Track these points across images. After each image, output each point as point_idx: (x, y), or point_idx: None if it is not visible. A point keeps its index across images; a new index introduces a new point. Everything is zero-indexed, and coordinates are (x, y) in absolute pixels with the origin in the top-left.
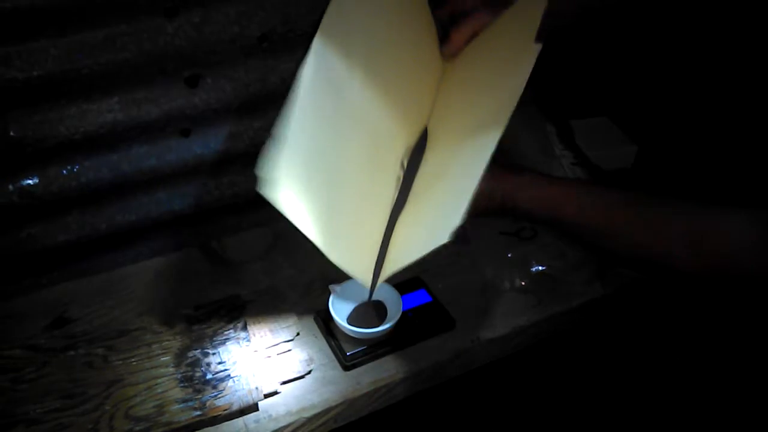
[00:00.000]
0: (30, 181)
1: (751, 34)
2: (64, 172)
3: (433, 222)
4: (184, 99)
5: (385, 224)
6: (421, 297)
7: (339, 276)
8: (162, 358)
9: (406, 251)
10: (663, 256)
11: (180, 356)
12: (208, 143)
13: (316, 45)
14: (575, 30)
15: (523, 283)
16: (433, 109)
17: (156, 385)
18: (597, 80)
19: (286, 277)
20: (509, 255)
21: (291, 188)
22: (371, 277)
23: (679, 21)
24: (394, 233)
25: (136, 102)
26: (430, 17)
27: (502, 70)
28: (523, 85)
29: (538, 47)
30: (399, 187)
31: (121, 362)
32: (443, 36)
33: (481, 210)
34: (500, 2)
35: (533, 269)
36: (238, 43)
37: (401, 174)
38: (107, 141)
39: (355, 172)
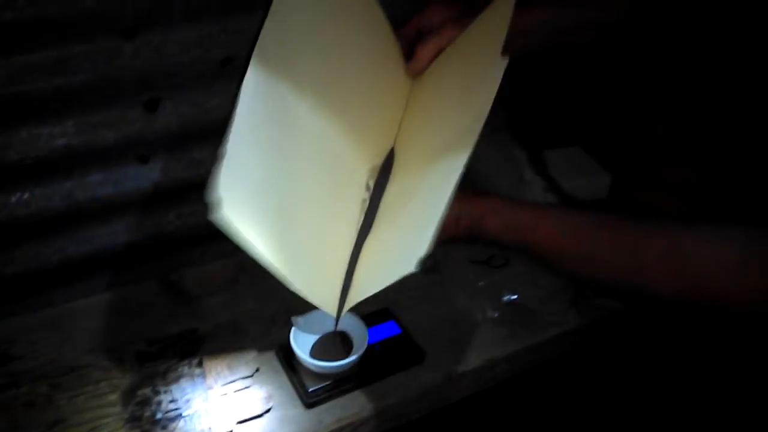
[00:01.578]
0: None
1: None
2: (14, 199)
3: (400, 249)
4: (143, 124)
5: (351, 249)
6: (389, 329)
7: (304, 308)
8: (110, 397)
9: (372, 279)
10: (638, 279)
11: (129, 394)
12: (167, 170)
13: (255, 62)
14: (543, 56)
15: (496, 314)
16: (400, 127)
17: (101, 425)
18: (570, 110)
19: (248, 310)
20: (481, 284)
21: (243, 215)
22: (337, 304)
23: (652, 51)
24: (360, 259)
25: (91, 126)
26: (391, 34)
27: (469, 86)
28: (490, 102)
29: (504, 62)
30: (365, 210)
31: (66, 401)
32: (409, 53)
33: (448, 236)
34: (467, 19)
35: (506, 299)
36: (200, 66)
37: (367, 196)
38: (60, 167)
39: (314, 196)
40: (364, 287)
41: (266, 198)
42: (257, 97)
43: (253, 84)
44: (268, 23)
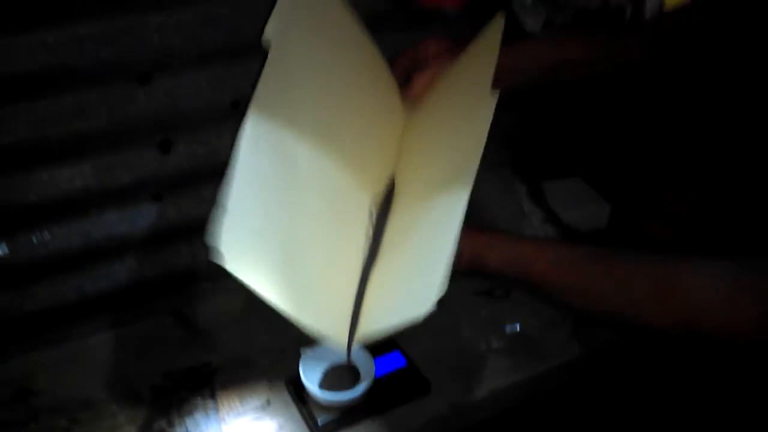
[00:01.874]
0: None
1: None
2: (34, 239)
3: (410, 290)
4: (157, 164)
5: (358, 280)
6: (395, 360)
7: (314, 341)
8: (126, 429)
9: (384, 317)
10: (631, 312)
11: (145, 427)
12: (181, 208)
13: (254, 110)
14: (540, 90)
15: (499, 344)
16: (399, 153)
17: None
18: (570, 141)
19: (259, 342)
20: (484, 315)
21: (245, 257)
22: (346, 338)
23: (651, 84)
24: (367, 291)
25: (107, 168)
26: (384, 64)
27: (463, 118)
28: (484, 139)
29: (495, 97)
30: (370, 239)
31: None
32: (405, 80)
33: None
34: (459, 50)
35: (508, 329)
36: (211, 108)
37: (370, 224)
38: (78, 207)
39: (318, 232)
40: (376, 324)
41: (269, 238)
42: (256, 142)
43: (252, 130)
44: (265, 70)
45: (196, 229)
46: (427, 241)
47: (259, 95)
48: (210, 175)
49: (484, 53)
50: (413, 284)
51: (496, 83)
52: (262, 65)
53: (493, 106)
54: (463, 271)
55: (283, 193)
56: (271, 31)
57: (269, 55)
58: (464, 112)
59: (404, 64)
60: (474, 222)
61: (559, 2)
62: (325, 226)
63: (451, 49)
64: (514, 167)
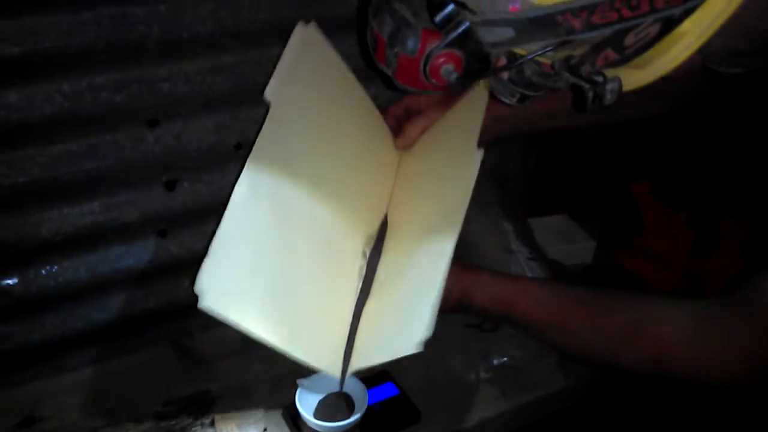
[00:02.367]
0: (9, 281)
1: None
2: (43, 272)
3: (400, 327)
4: (162, 202)
5: (351, 314)
6: (388, 390)
7: (309, 371)
8: None
9: (375, 351)
10: (604, 351)
11: None
12: (184, 243)
13: (252, 161)
14: (522, 136)
15: (487, 375)
16: (392, 195)
17: None
18: (558, 179)
19: (257, 371)
20: (473, 347)
21: (232, 300)
22: (340, 368)
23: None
24: (360, 325)
25: (115, 205)
26: (378, 115)
27: (451, 169)
28: (472, 184)
29: (480, 153)
30: (362, 276)
31: None
32: (398, 129)
33: (440, 308)
34: (449, 101)
35: (496, 361)
36: (215, 151)
37: (363, 263)
38: (86, 242)
39: (312, 271)
40: (367, 356)
41: (261, 278)
42: (252, 191)
43: (248, 180)
44: (266, 123)
45: (197, 262)
46: (415, 284)
47: (260, 145)
48: (213, 212)
49: (472, 108)
50: (402, 325)
51: (484, 134)
52: (265, 113)
53: (480, 160)
54: (452, 309)
55: (277, 235)
56: (271, 88)
57: (270, 110)
58: (453, 163)
59: (397, 113)
60: (462, 258)
61: (530, 82)
62: (320, 265)
63: (441, 101)
64: (501, 205)
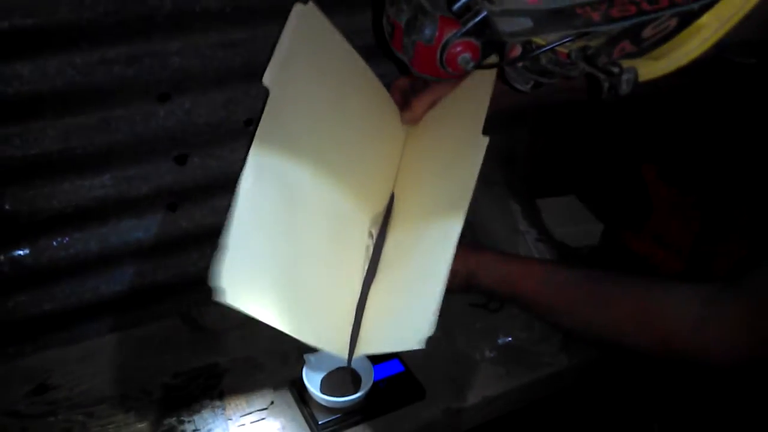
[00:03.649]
0: (21, 252)
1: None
2: (55, 243)
3: (405, 317)
4: (173, 176)
5: (358, 294)
6: (393, 367)
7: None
8: (138, 425)
9: (379, 340)
10: (612, 333)
11: (156, 424)
12: (193, 217)
13: (256, 147)
14: (532, 110)
15: (492, 354)
16: (399, 172)
17: None
18: (566, 160)
19: (264, 345)
20: (478, 326)
21: (246, 291)
22: (347, 348)
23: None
24: (367, 306)
25: (126, 179)
26: (383, 89)
27: (460, 143)
28: (479, 163)
29: (485, 141)
30: (369, 256)
31: (99, 428)
32: (404, 104)
33: (447, 288)
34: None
35: (501, 341)
36: (226, 126)
37: (370, 242)
38: (97, 215)
39: (320, 252)
40: (372, 344)
41: (270, 264)
42: (258, 177)
43: (253, 166)
44: (267, 106)
45: (207, 237)
46: (421, 272)
47: (262, 131)
48: (222, 186)
49: (481, 85)
50: (406, 317)
51: (493, 105)
52: (265, 99)
53: (485, 144)
54: (459, 289)
55: (285, 219)
56: (270, 74)
57: (269, 95)
58: (460, 144)
59: (403, 88)
60: (469, 238)
61: (545, 70)
62: (327, 246)
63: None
64: (509, 185)
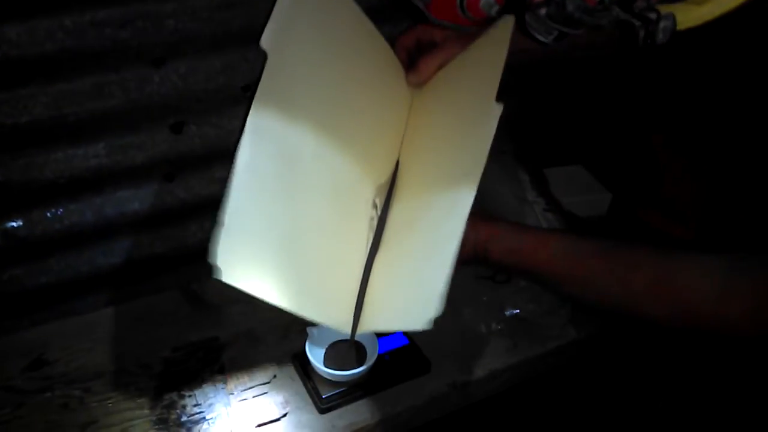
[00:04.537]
0: (14, 224)
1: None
2: (48, 215)
3: (411, 297)
4: (169, 145)
5: (362, 267)
6: (398, 339)
7: None
8: (138, 400)
9: (384, 318)
10: (630, 304)
11: (156, 398)
12: (191, 188)
13: (255, 112)
14: (539, 77)
15: (498, 327)
16: (404, 138)
17: (131, 427)
18: (573, 129)
19: (265, 319)
20: (485, 299)
21: (245, 263)
22: (350, 323)
23: (653, 72)
24: (371, 280)
25: (121, 147)
26: (388, 48)
27: (472, 111)
28: (492, 132)
29: (499, 108)
30: (374, 228)
31: (97, 404)
32: (410, 63)
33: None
34: (468, 37)
35: (508, 313)
36: (223, 92)
37: (374, 213)
38: (92, 185)
39: (323, 223)
40: (377, 322)
41: (270, 239)
42: (258, 144)
43: (253, 133)
44: (266, 70)
45: (205, 207)
46: (429, 246)
47: (259, 98)
48: (220, 156)
49: (494, 48)
50: (414, 296)
51: (500, 98)
52: (263, 63)
53: (498, 114)
54: (467, 260)
55: (285, 189)
56: (267, 36)
57: (269, 56)
58: (471, 112)
59: (407, 45)
60: (476, 208)
61: (570, 19)
62: (329, 218)
63: (458, 34)
64: (516, 154)
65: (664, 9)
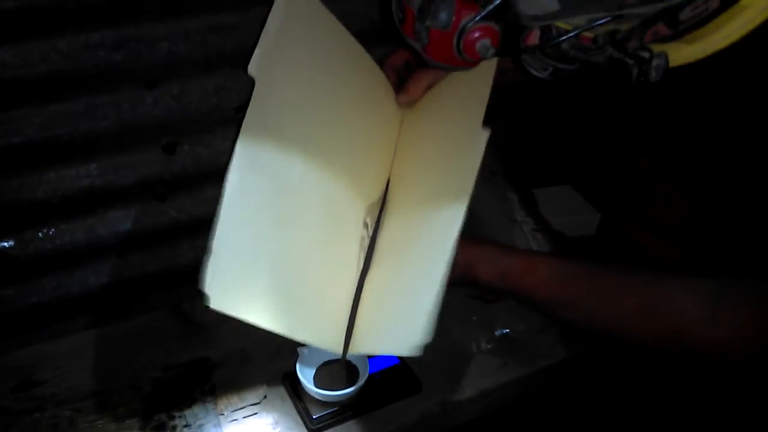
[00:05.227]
0: (6, 244)
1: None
2: (40, 235)
3: (401, 325)
4: (161, 165)
5: (354, 288)
6: (389, 359)
7: None
8: (127, 421)
9: (374, 342)
10: (618, 327)
11: (146, 419)
12: (183, 208)
13: (240, 148)
14: (528, 97)
15: (488, 346)
16: (394, 157)
17: None
18: (562, 149)
19: (257, 339)
20: (474, 318)
21: (235, 289)
22: (342, 344)
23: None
24: (362, 302)
25: (114, 168)
26: (376, 67)
27: (461, 132)
28: (482, 153)
29: (486, 133)
30: (365, 248)
31: (87, 425)
32: (399, 83)
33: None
34: None
35: (498, 332)
36: (216, 113)
37: (365, 233)
38: (84, 205)
39: (313, 245)
40: (367, 345)
41: (260, 263)
42: (248, 169)
43: (241, 157)
44: (254, 94)
45: (197, 227)
46: (419, 267)
47: (248, 121)
48: (213, 176)
49: (483, 68)
50: (403, 321)
51: (486, 124)
52: (252, 89)
53: (486, 138)
54: (456, 282)
55: (275, 212)
56: (255, 62)
57: (257, 81)
58: (462, 129)
59: (396, 65)
60: (465, 229)
61: (566, 56)
62: (319, 239)
63: None
64: (505, 174)
65: (656, 48)
